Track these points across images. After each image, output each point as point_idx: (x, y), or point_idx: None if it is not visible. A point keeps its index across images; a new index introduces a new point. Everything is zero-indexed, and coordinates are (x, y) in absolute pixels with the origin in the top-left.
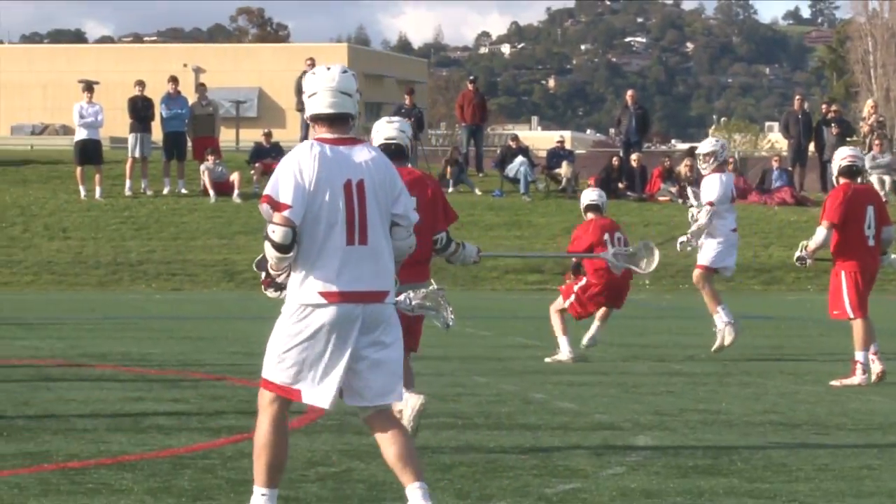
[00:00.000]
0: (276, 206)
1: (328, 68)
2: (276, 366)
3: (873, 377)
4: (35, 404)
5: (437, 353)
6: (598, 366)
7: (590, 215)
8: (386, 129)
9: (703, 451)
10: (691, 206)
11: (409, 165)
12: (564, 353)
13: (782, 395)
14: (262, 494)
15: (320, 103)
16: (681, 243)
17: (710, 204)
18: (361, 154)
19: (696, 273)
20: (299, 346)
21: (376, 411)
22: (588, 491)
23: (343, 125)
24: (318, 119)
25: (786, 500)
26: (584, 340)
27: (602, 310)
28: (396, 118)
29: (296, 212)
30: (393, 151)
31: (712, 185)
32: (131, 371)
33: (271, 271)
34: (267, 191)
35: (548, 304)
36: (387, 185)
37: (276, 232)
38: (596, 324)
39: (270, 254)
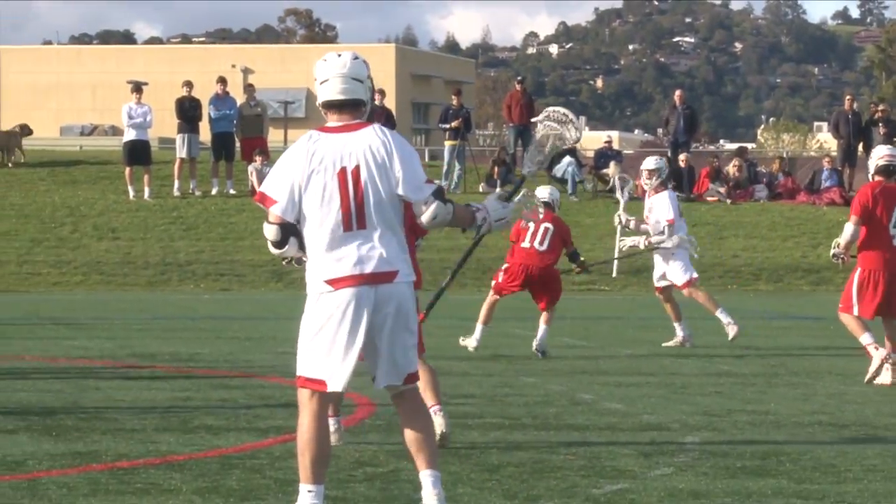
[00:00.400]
0: (265, 200)
1: (339, 55)
2: (304, 359)
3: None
4: (84, 404)
5: (485, 353)
6: (645, 366)
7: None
8: None
9: (752, 452)
10: (618, 199)
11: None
12: (473, 341)
13: (830, 395)
14: (309, 491)
15: (331, 90)
16: (630, 247)
17: (672, 222)
18: (362, 139)
19: (686, 292)
20: (318, 335)
21: (404, 390)
22: (636, 491)
23: (354, 111)
24: (330, 106)
25: (834, 501)
26: (534, 345)
27: (543, 313)
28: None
29: (282, 206)
30: None
31: (664, 204)
32: (180, 371)
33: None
34: (261, 187)
35: (596, 304)
36: (386, 167)
37: (266, 230)
38: (542, 327)
39: (270, 249)
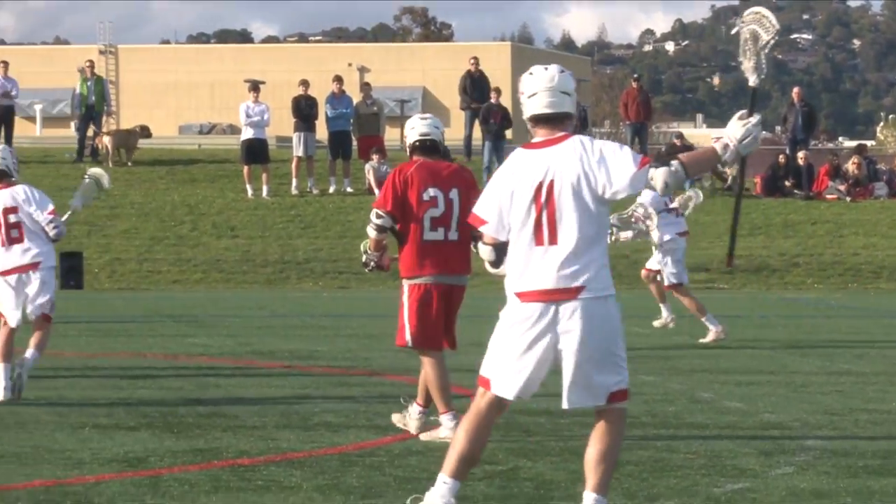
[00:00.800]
0: (476, 221)
1: (545, 68)
2: (486, 358)
3: None
4: (205, 401)
5: None
6: (766, 365)
7: None
8: (420, 125)
9: (874, 451)
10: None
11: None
12: None
13: None
14: (444, 482)
15: (539, 103)
16: (622, 241)
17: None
18: (561, 154)
19: (643, 273)
20: (499, 339)
21: (608, 408)
22: (757, 490)
23: (561, 124)
24: (537, 119)
25: None
26: None
27: None
28: (429, 115)
29: (492, 227)
30: (428, 147)
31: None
32: (299, 368)
33: None
34: (473, 208)
35: (715, 302)
36: (584, 178)
37: (481, 250)
38: None
39: (487, 268)
